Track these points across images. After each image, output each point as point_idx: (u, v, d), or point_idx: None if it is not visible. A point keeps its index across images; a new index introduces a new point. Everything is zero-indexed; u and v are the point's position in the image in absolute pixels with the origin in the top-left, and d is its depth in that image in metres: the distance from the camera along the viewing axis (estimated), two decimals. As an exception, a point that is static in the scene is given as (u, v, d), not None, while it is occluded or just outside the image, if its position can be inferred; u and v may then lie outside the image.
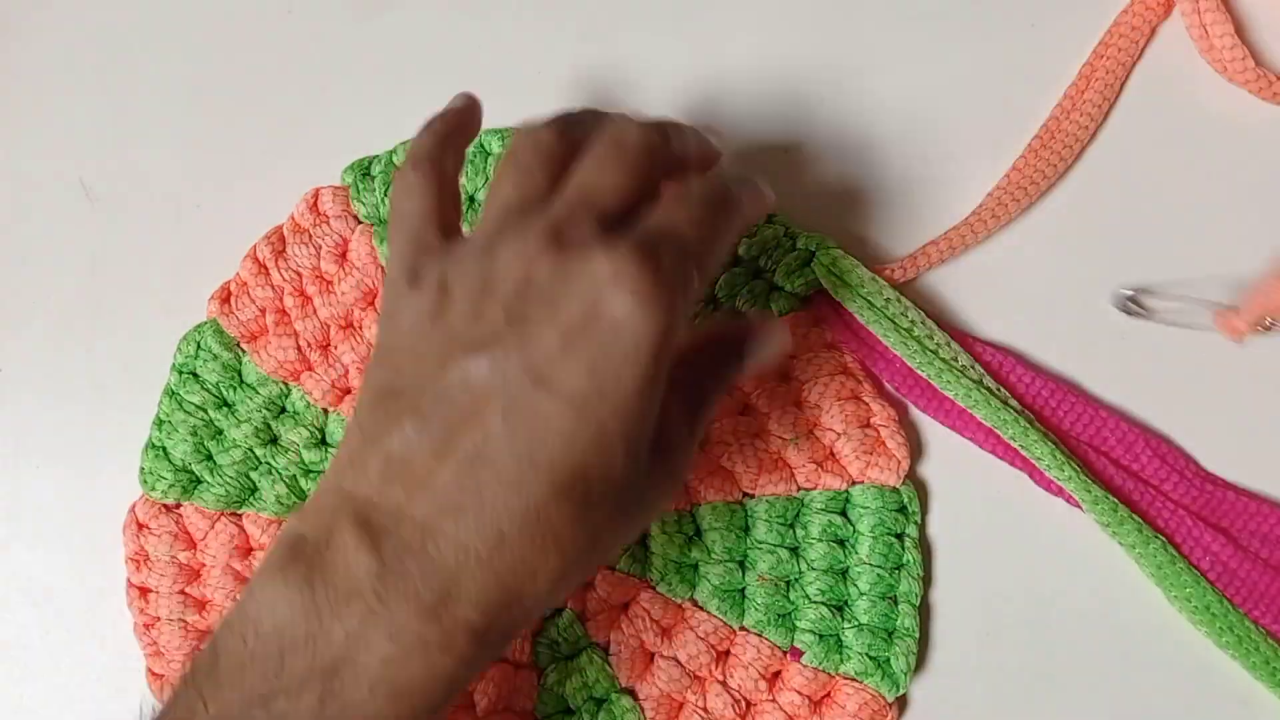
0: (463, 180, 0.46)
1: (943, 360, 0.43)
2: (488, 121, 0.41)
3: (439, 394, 0.32)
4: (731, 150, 0.47)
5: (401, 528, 0.31)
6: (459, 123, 0.39)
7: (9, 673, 0.47)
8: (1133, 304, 0.44)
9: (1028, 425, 0.43)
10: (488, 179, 0.46)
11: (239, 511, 0.46)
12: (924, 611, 0.45)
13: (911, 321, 0.44)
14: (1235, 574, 0.42)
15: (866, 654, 0.43)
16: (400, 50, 0.49)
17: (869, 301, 0.44)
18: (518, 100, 0.44)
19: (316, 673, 0.30)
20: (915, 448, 0.45)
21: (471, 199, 0.47)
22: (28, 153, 0.50)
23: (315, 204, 0.47)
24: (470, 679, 0.33)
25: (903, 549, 0.44)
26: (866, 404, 0.44)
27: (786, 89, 0.48)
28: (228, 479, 0.46)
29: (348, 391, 0.46)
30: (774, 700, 0.44)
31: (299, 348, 0.46)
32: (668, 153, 0.36)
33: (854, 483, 0.44)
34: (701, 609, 0.44)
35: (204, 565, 0.46)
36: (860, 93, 0.47)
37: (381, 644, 0.30)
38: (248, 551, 0.46)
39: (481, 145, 0.47)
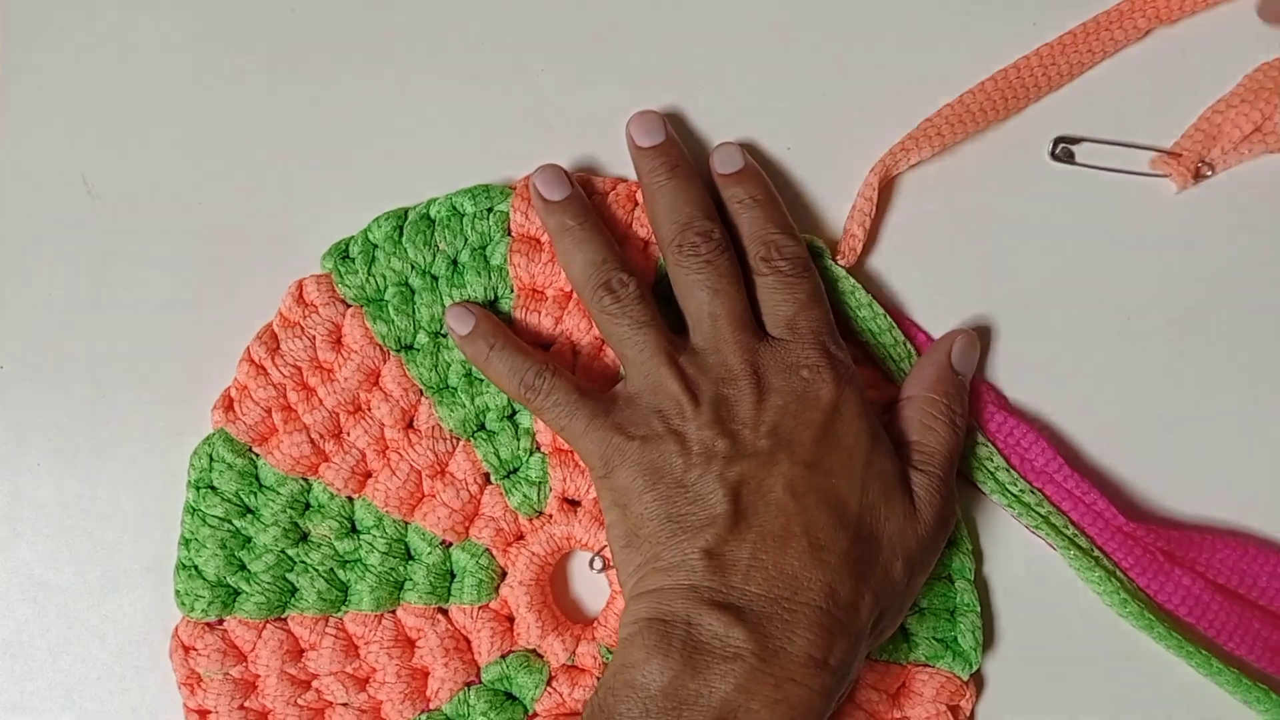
0: (442, 246, 0.46)
1: None
2: (488, 129, 0.43)
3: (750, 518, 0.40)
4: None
5: (748, 601, 0.38)
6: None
7: (9, 670, 0.47)
8: (1067, 153, 0.44)
9: (1004, 485, 0.44)
10: (466, 241, 0.46)
11: (283, 616, 0.45)
12: (982, 588, 0.45)
13: (895, 340, 0.44)
14: (1209, 607, 0.43)
15: (933, 637, 0.43)
16: (402, 50, 0.49)
17: (854, 312, 0.44)
18: (519, 100, 0.45)
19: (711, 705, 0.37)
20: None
21: (454, 262, 0.46)
22: (29, 151, 0.49)
23: (301, 295, 0.47)
24: (832, 706, 0.39)
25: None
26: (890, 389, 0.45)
27: (786, 88, 0.48)
28: (265, 585, 0.45)
29: (369, 475, 0.46)
30: (852, 700, 0.44)
31: (312, 440, 0.46)
32: None
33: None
34: (761, 624, 0.44)
35: (258, 676, 0.45)
36: (860, 92, 0.48)
37: (767, 690, 0.37)
38: (299, 654, 0.45)
39: (454, 207, 0.46)
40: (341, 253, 0.47)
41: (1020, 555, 0.45)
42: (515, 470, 0.46)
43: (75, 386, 0.48)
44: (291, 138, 0.49)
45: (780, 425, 0.40)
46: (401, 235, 0.46)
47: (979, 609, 0.43)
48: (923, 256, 0.47)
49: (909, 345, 0.45)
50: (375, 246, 0.46)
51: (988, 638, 0.44)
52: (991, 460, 0.43)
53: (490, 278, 0.46)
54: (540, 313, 0.46)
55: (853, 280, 0.45)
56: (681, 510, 0.40)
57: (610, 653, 0.45)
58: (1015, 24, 0.48)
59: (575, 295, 0.45)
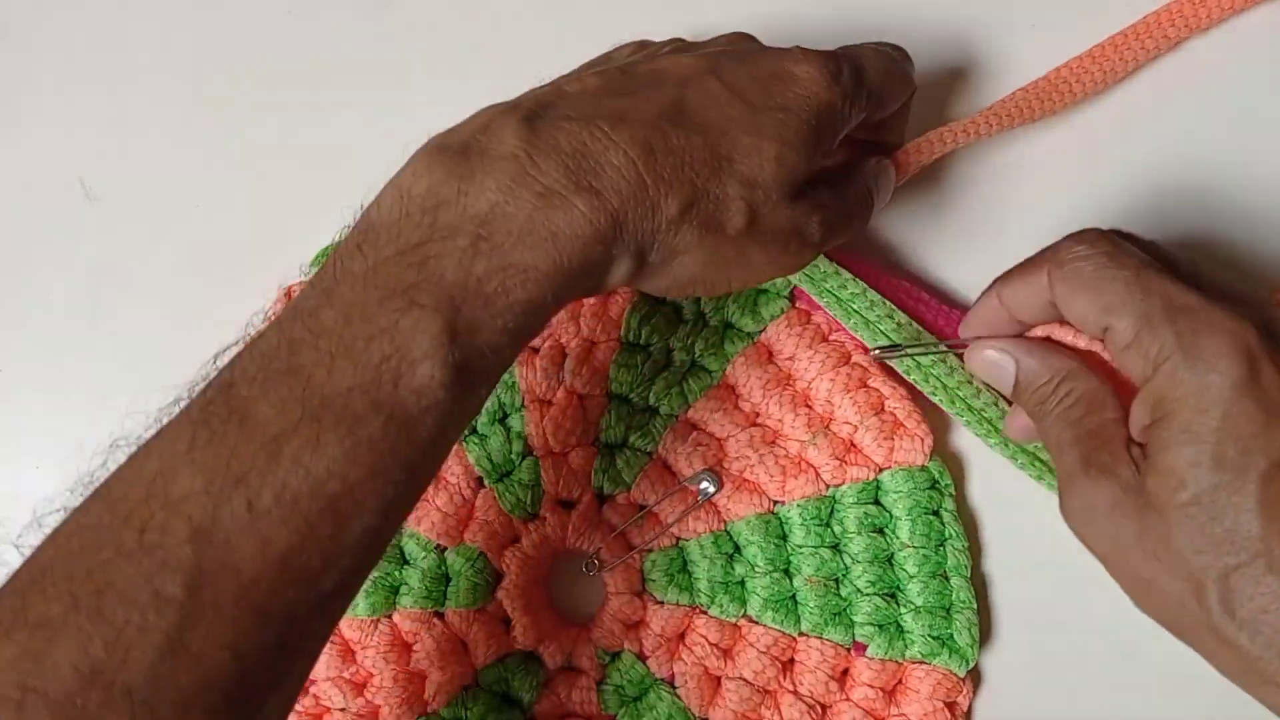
0: None
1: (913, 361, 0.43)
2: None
3: (627, 67, 0.37)
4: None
5: (559, 119, 0.34)
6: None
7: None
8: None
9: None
10: None
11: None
12: (980, 583, 0.45)
13: (879, 316, 0.43)
14: None
15: (929, 635, 0.43)
16: (400, 50, 0.49)
17: (836, 296, 0.43)
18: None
19: (468, 220, 0.32)
20: (942, 421, 0.45)
21: None
22: (27, 153, 0.49)
23: (290, 298, 0.46)
24: (601, 271, 0.34)
25: (943, 524, 0.43)
26: (877, 389, 0.44)
27: None
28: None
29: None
30: (848, 699, 0.44)
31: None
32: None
33: (881, 469, 0.44)
34: (757, 623, 0.44)
35: (312, 681, 0.45)
36: None
37: (529, 198, 0.32)
38: (349, 654, 0.45)
39: None
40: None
41: (1020, 550, 0.45)
42: (508, 473, 0.46)
43: (74, 388, 0.48)
44: (289, 142, 0.49)
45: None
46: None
47: (975, 605, 0.43)
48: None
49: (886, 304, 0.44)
50: None
51: (986, 633, 0.44)
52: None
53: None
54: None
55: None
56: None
57: (607, 654, 0.45)
58: (1016, 24, 0.47)
59: None
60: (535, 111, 0.34)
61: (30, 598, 0.29)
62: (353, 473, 0.30)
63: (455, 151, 0.33)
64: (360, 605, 0.45)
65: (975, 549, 0.45)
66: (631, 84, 0.36)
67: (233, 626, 0.29)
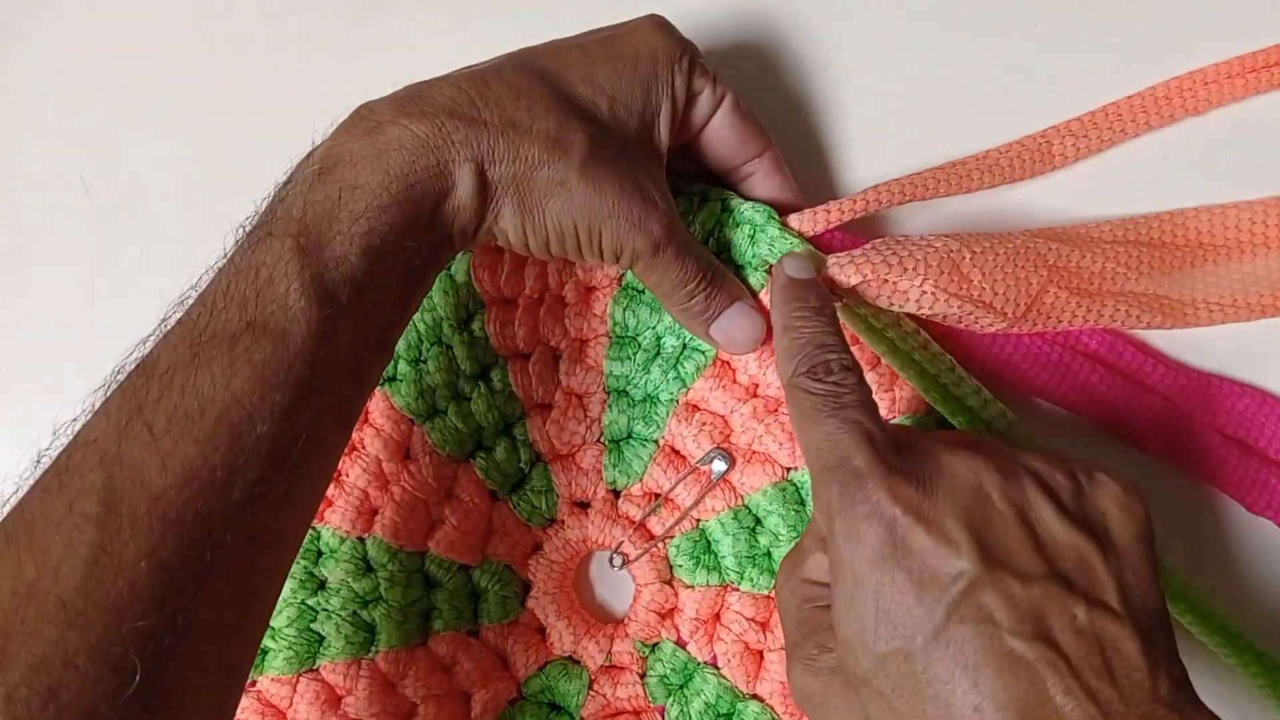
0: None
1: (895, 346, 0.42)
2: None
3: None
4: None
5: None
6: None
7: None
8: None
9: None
10: (456, 373, 0.46)
11: (314, 666, 0.45)
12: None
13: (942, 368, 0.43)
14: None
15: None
16: (399, 50, 0.49)
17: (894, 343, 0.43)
18: None
19: (313, 162, 0.37)
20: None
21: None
22: (28, 151, 0.49)
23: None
24: (439, 179, 0.36)
25: None
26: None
27: (785, 87, 0.47)
28: (291, 639, 0.45)
29: (374, 512, 0.45)
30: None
31: (312, 488, 0.45)
32: None
33: (888, 420, 0.43)
34: (790, 592, 0.44)
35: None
36: (860, 92, 0.47)
37: (361, 132, 0.37)
38: (337, 701, 0.45)
39: (440, 337, 0.45)
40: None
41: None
42: (520, 483, 0.45)
43: (74, 386, 0.47)
44: (289, 136, 0.48)
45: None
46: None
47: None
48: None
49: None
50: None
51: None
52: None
53: (459, 295, 0.45)
54: (514, 322, 0.45)
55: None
56: None
57: (646, 646, 0.45)
58: (1016, 24, 0.47)
59: (543, 298, 0.45)
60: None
61: None
62: (235, 384, 0.33)
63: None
64: (393, 636, 0.45)
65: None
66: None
67: (149, 536, 0.31)
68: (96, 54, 0.49)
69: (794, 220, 0.43)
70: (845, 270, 0.40)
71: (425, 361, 0.45)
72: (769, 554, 0.44)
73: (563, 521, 0.45)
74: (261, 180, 0.47)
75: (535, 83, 0.38)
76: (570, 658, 0.45)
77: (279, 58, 0.49)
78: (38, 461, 0.34)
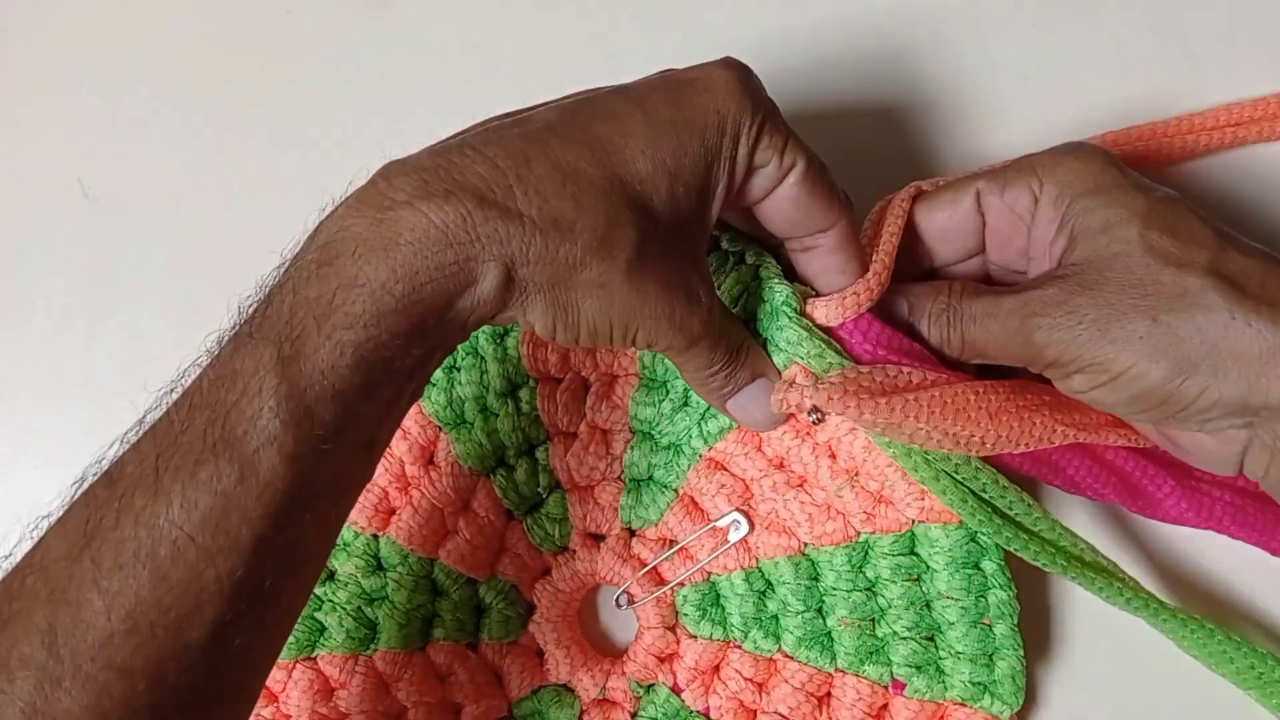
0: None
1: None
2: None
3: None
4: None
5: (433, 148, 0.33)
6: None
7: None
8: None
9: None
10: (486, 387, 0.44)
11: (312, 655, 0.45)
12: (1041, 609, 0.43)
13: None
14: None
15: (969, 681, 0.41)
16: (399, 50, 0.48)
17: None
18: (515, 102, 0.42)
19: (312, 249, 0.32)
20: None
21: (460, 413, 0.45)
22: (26, 153, 0.50)
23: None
24: (460, 279, 0.32)
25: (984, 576, 0.41)
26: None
27: (785, 89, 0.46)
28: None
29: (391, 512, 0.45)
30: (885, 738, 0.42)
31: (333, 479, 0.45)
32: None
33: (914, 523, 0.41)
34: (792, 658, 0.43)
35: (289, 717, 0.45)
36: (859, 92, 0.46)
37: (372, 213, 0.31)
38: (330, 693, 0.45)
39: (476, 349, 0.45)
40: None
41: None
42: (536, 507, 0.45)
43: (72, 390, 0.48)
44: (287, 142, 0.48)
45: None
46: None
47: (1022, 650, 0.41)
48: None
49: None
50: None
51: (1044, 650, 0.43)
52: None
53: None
54: (548, 345, 0.44)
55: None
56: None
57: (641, 686, 0.44)
58: (1016, 24, 0.46)
59: None
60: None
61: None
62: (195, 517, 0.29)
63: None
64: (394, 638, 0.45)
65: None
66: (521, 115, 0.34)
67: (93, 685, 0.28)
68: (94, 57, 0.49)
69: (817, 309, 0.39)
70: (835, 406, 0.37)
71: (459, 370, 0.45)
72: (776, 619, 0.43)
73: (574, 551, 0.45)
74: (256, 184, 0.47)
75: (586, 160, 0.33)
76: (565, 686, 0.45)
77: (278, 60, 0.48)
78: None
